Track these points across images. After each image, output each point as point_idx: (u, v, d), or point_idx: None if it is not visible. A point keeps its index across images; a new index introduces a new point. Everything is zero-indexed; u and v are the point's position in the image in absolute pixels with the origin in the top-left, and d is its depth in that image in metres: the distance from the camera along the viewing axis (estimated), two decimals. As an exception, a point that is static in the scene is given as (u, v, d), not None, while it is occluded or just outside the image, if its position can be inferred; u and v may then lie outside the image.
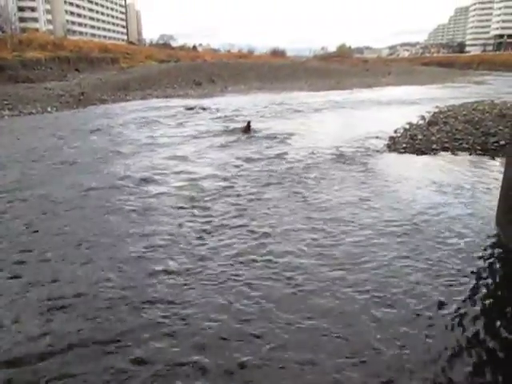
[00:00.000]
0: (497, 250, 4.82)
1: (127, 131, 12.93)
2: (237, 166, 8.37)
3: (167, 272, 4.27)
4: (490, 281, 4.20)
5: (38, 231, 5.33)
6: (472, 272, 4.30)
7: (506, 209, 5.19)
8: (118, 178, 7.62)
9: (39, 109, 17.83)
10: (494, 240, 5.09)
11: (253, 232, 5.21)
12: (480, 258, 4.63)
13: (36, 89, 23.36)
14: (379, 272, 4.24)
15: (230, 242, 4.94)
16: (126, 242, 4.99)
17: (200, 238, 5.07)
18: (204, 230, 5.28)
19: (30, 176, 7.84)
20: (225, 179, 7.49)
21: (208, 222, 5.52)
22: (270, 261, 4.49)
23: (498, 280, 4.25)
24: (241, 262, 4.46)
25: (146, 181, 7.47)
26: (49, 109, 18.04)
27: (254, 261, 4.50)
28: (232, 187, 7.03)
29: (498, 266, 4.50)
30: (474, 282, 4.12)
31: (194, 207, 6.08)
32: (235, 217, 5.71)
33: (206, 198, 6.46)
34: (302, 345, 3.21)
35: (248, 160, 8.88)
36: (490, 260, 4.60)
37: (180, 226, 5.42)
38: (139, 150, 10.12)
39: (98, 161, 9.03)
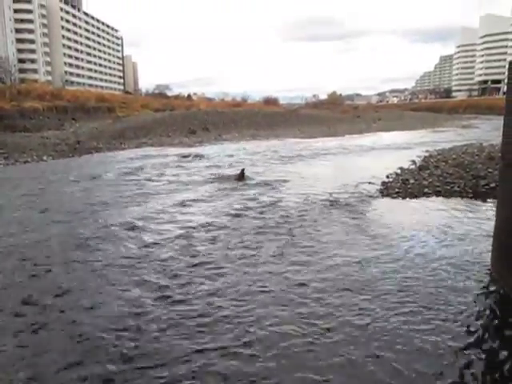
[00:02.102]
0: (492, 293, 4.79)
1: (121, 179, 12.98)
2: (229, 216, 8.30)
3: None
4: (485, 326, 4.12)
5: None
6: (467, 316, 4.22)
7: (500, 250, 5.18)
8: (104, 228, 7.45)
9: (35, 157, 17.97)
10: (489, 282, 5.06)
11: (236, 300, 4.70)
12: (475, 301, 4.57)
13: (33, 138, 23.75)
14: (373, 328, 4.15)
15: (210, 310, 4.43)
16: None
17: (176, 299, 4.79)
18: (182, 290, 5.04)
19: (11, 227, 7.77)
20: (216, 229, 7.38)
21: (190, 279, 5.33)
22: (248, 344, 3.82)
23: (494, 324, 4.18)
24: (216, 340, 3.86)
25: (134, 230, 7.35)
26: (44, 157, 18.20)
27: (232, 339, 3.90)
28: (222, 239, 6.86)
29: (493, 309, 4.45)
30: (468, 327, 4.04)
31: (180, 260, 5.93)
32: (220, 276, 5.37)
33: (193, 251, 6.27)
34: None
35: (241, 209, 8.86)
36: (485, 303, 4.55)
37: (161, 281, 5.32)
38: (132, 198, 10.10)
39: (89, 210, 8.97)
